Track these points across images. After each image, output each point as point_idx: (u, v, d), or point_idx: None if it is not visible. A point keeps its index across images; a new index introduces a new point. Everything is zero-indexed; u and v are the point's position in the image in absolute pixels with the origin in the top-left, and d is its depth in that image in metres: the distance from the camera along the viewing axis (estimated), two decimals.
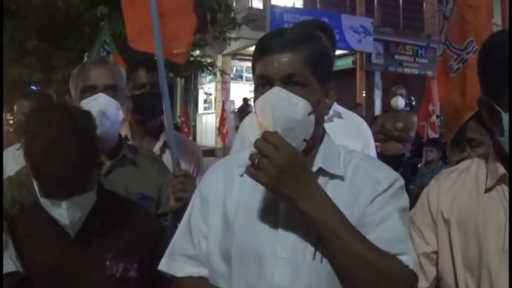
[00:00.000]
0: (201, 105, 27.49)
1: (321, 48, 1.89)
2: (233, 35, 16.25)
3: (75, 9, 11.97)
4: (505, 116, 1.67)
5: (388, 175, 1.84)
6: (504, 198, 1.77)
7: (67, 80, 2.96)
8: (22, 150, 2.08)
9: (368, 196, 1.78)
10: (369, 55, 21.85)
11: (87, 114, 2.20)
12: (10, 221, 2.26)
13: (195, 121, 27.08)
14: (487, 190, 1.82)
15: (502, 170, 1.78)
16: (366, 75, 22.44)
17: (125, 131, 3.42)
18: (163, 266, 1.96)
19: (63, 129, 2.03)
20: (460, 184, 1.91)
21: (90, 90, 2.69)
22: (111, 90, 2.71)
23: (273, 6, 19.27)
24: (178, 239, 1.96)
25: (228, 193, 1.89)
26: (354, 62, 22.31)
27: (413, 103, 9.96)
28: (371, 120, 11.77)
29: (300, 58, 1.78)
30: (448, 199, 1.89)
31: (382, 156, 8.73)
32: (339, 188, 1.80)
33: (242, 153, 1.99)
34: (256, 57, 1.83)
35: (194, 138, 24.69)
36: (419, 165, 9.40)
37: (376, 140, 8.95)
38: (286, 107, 1.72)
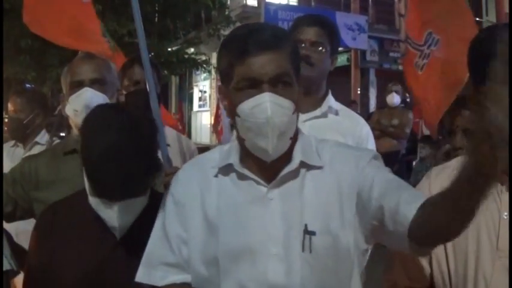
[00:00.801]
0: (195, 102, 27.50)
1: (295, 43, 1.87)
2: (227, 32, 16.24)
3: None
4: None
5: (366, 151, 1.91)
6: (498, 196, 1.79)
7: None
8: (16, 147, 2.08)
9: (353, 173, 1.78)
10: (363, 52, 21.88)
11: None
12: (50, 209, 2.22)
13: (189, 119, 27.06)
14: None
15: None
16: (360, 72, 22.48)
17: None
18: (140, 277, 1.88)
19: (124, 132, 1.97)
20: None
21: (77, 85, 2.69)
22: (97, 84, 2.71)
23: (268, 4, 19.23)
24: (155, 248, 1.89)
25: (205, 195, 1.85)
26: (348, 60, 22.33)
27: (408, 100, 9.95)
28: (366, 117, 11.80)
29: (284, 56, 1.76)
30: None
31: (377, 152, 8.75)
32: (319, 177, 1.81)
33: (212, 154, 1.98)
34: (235, 58, 1.74)
35: (189, 136, 24.66)
36: (414, 162, 9.42)
37: None
38: (279, 113, 1.70)
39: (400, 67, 22.82)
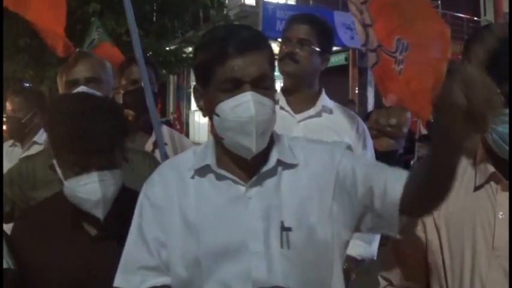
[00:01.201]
0: (193, 102, 27.50)
1: (269, 43, 1.89)
2: None
3: (67, 6, 11.94)
4: None
5: (338, 143, 1.96)
6: (493, 196, 1.79)
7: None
8: (14, 147, 2.11)
9: (329, 167, 1.84)
10: (361, 52, 21.87)
11: (113, 103, 2.29)
12: (22, 213, 2.24)
13: (187, 117, 27.06)
14: (476, 188, 1.84)
15: (491, 168, 1.80)
16: (358, 71, 22.46)
17: None
18: (119, 282, 1.87)
19: (93, 102, 2.12)
20: None
21: (72, 84, 2.71)
22: (93, 82, 2.73)
23: (266, 3, 19.20)
24: (132, 251, 1.88)
25: (182, 197, 1.86)
26: (346, 59, 22.31)
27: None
28: (364, 116, 11.79)
29: (264, 56, 1.79)
30: None
31: (375, 151, 8.74)
32: (295, 175, 1.84)
33: (187, 155, 1.99)
34: (216, 59, 1.76)
35: (187, 135, 24.67)
36: (412, 162, 9.42)
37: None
38: (262, 112, 1.74)
39: None
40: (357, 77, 22.40)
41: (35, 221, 2.24)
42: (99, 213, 2.10)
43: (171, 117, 23.87)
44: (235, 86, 1.74)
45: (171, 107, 27.62)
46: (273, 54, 1.85)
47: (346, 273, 3.19)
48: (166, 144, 3.22)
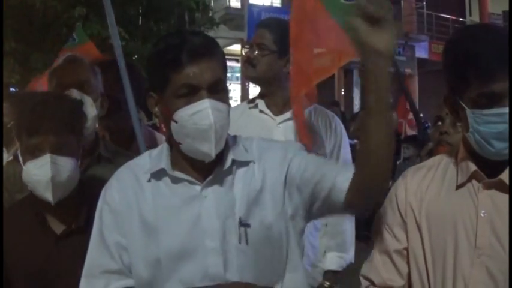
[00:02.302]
0: None
1: (221, 47, 1.94)
2: (211, 34, 16.24)
3: (53, 10, 11.90)
4: (469, 112, 1.71)
5: (292, 143, 2.07)
6: (475, 194, 1.80)
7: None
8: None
9: (282, 162, 1.92)
10: None
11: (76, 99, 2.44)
12: None
13: None
14: (458, 187, 1.85)
15: (473, 167, 1.81)
16: (344, 73, 22.53)
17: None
18: (84, 286, 1.91)
19: (51, 95, 2.39)
20: (428, 181, 1.93)
21: (62, 89, 2.69)
22: (85, 86, 2.72)
23: (251, 6, 19.33)
24: (95, 256, 1.92)
25: (140, 201, 1.89)
26: None
27: (391, 100, 9.99)
28: (350, 118, 11.81)
29: (217, 62, 1.84)
30: (417, 197, 1.92)
31: None
32: (249, 172, 1.92)
33: (143, 159, 2.02)
34: (170, 67, 1.79)
35: None
36: (398, 162, 9.45)
37: (355, 137, 9.00)
38: (220, 118, 1.79)
39: None
40: (342, 78, 22.46)
41: (7, 222, 2.29)
42: (49, 195, 2.18)
43: (157, 120, 23.81)
44: (191, 92, 1.78)
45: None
46: (224, 59, 1.91)
47: None
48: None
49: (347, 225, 3.23)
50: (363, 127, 1.68)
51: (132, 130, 3.41)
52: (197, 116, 1.76)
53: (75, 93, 2.65)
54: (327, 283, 3.22)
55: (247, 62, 3.03)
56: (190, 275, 1.80)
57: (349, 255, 3.23)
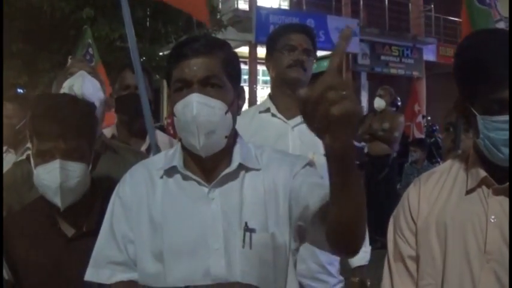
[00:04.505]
0: None
1: (232, 53, 2.01)
2: (219, 36, 16.27)
3: (61, 11, 11.93)
4: (480, 119, 1.71)
5: (301, 158, 2.04)
6: (485, 200, 1.79)
7: (53, 83, 2.99)
8: (8, 153, 2.17)
9: (287, 176, 1.92)
10: (355, 56, 21.91)
11: (88, 103, 2.38)
12: (5, 221, 2.29)
13: None
14: (468, 192, 1.84)
15: (483, 172, 1.80)
16: (352, 76, 22.52)
17: (112, 131, 3.50)
18: (89, 276, 1.96)
19: (64, 98, 2.33)
20: (440, 187, 1.92)
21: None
22: (91, 75, 2.79)
23: (259, 8, 19.32)
24: (103, 247, 1.97)
25: (150, 196, 1.95)
26: None
27: (399, 103, 9.96)
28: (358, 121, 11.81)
29: (215, 61, 1.89)
30: (429, 203, 1.91)
31: (368, 156, 8.78)
32: (256, 178, 1.95)
33: (158, 156, 2.13)
34: (172, 63, 1.92)
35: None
36: (405, 165, 9.44)
37: (363, 140, 9.01)
38: (206, 113, 1.83)
39: (392, 70, 22.93)
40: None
41: (18, 224, 2.31)
42: (58, 201, 2.18)
43: (165, 122, 23.82)
44: (185, 86, 1.87)
45: (164, 112, 27.54)
46: (229, 60, 1.95)
47: (362, 284, 3.22)
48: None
49: None
50: (331, 199, 1.55)
51: (137, 129, 3.45)
52: (186, 109, 1.83)
53: (84, 76, 2.74)
54: (357, 279, 3.22)
55: (300, 65, 3.05)
56: (191, 272, 1.83)
57: (369, 249, 3.22)
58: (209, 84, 1.86)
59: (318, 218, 1.75)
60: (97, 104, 2.66)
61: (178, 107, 1.85)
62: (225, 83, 1.91)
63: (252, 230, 1.86)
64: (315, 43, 3.16)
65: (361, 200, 1.54)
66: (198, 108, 1.81)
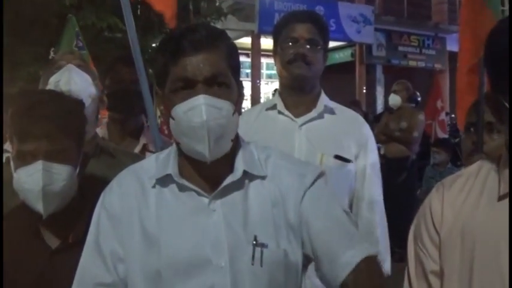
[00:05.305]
0: None
1: (232, 42, 1.96)
2: (218, 26, 16.19)
3: None
4: None
5: (311, 168, 2.00)
6: None
7: (33, 78, 3.00)
8: None
9: (296, 192, 1.90)
10: (369, 47, 21.89)
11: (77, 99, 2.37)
12: None
13: None
14: (501, 198, 1.75)
15: None
16: (366, 69, 22.49)
17: (101, 132, 3.44)
18: None
19: (48, 94, 2.35)
20: (467, 192, 1.85)
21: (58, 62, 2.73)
22: (81, 68, 2.76)
23: None
24: (88, 266, 1.92)
25: (142, 208, 1.90)
26: (352, 55, 22.34)
27: (419, 99, 9.92)
28: (372, 119, 11.78)
29: (220, 55, 1.84)
30: (454, 210, 1.85)
31: (384, 158, 8.69)
32: (261, 188, 1.92)
33: (148, 162, 2.04)
34: (168, 59, 1.84)
35: None
36: (426, 169, 9.38)
37: (378, 141, 8.96)
38: (215, 116, 1.78)
39: (411, 63, 22.87)
40: (364, 75, 22.40)
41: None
42: (40, 207, 2.15)
43: (158, 121, 23.82)
44: (187, 86, 1.81)
45: (158, 111, 27.59)
46: (233, 53, 1.91)
47: None
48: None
49: (380, 233, 3.18)
50: None
51: (131, 128, 3.45)
52: (191, 113, 1.77)
53: (72, 69, 2.72)
54: None
55: (301, 59, 3.00)
56: None
57: (386, 266, 3.18)
58: (215, 83, 1.81)
59: (327, 272, 1.81)
60: (88, 100, 2.65)
61: (179, 110, 1.79)
62: (231, 79, 1.87)
63: (263, 245, 1.82)
64: (324, 32, 3.11)
65: None
66: (208, 112, 1.76)
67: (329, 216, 1.86)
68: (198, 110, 1.76)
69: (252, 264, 1.80)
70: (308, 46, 3.02)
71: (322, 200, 1.91)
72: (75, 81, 2.69)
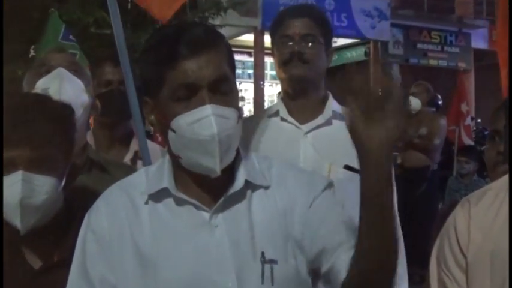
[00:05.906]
0: None
1: (228, 42, 1.94)
2: (217, 21, 16.20)
3: None
4: None
5: (319, 177, 2.05)
6: None
7: (11, 78, 2.99)
8: None
9: (305, 199, 1.91)
10: (385, 44, 21.86)
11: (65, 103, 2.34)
12: None
13: None
14: None
15: None
16: (381, 69, 22.43)
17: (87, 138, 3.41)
18: None
19: (31, 97, 2.33)
20: (497, 208, 1.84)
21: (47, 69, 2.72)
22: (72, 71, 2.74)
23: None
24: None
25: (135, 227, 1.88)
26: (366, 53, 22.28)
27: (440, 102, 9.89)
28: None
29: (221, 56, 1.84)
30: (483, 230, 1.83)
31: (401, 168, 8.67)
32: (265, 198, 1.92)
33: (138, 177, 2.02)
34: (162, 64, 1.81)
35: None
36: (449, 180, 9.35)
37: (395, 149, 8.91)
38: (225, 126, 1.77)
39: (432, 61, 22.83)
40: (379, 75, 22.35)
41: None
42: (18, 222, 2.11)
43: (151, 128, 23.82)
44: (190, 93, 1.78)
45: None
46: (230, 52, 1.90)
47: None
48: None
49: None
50: (358, 229, 1.71)
51: (120, 134, 3.44)
52: (198, 124, 1.75)
53: (63, 72, 2.68)
54: None
55: (297, 58, 2.95)
56: None
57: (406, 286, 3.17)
58: (220, 88, 1.80)
59: (330, 274, 1.83)
60: (80, 109, 2.64)
61: (182, 121, 1.76)
62: (233, 82, 1.87)
63: (273, 262, 1.81)
64: (324, 26, 3.08)
65: (389, 240, 1.67)
66: (218, 124, 1.74)
67: (338, 231, 1.86)
68: (206, 122, 1.74)
69: (262, 283, 1.79)
70: (304, 43, 2.98)
71: (331, 211, 1.91)
72: (66, 90, 2.63)
